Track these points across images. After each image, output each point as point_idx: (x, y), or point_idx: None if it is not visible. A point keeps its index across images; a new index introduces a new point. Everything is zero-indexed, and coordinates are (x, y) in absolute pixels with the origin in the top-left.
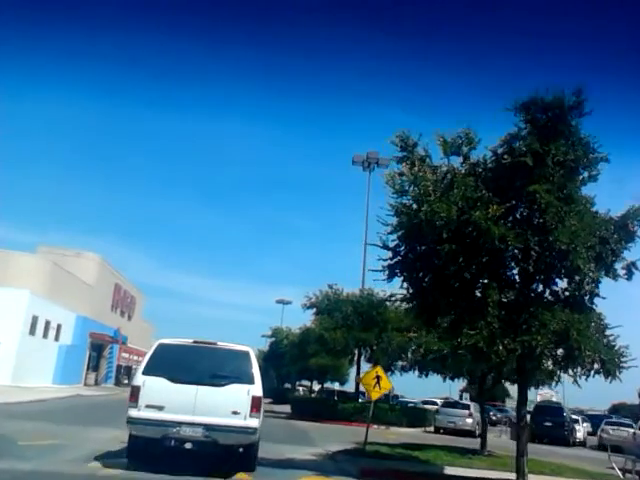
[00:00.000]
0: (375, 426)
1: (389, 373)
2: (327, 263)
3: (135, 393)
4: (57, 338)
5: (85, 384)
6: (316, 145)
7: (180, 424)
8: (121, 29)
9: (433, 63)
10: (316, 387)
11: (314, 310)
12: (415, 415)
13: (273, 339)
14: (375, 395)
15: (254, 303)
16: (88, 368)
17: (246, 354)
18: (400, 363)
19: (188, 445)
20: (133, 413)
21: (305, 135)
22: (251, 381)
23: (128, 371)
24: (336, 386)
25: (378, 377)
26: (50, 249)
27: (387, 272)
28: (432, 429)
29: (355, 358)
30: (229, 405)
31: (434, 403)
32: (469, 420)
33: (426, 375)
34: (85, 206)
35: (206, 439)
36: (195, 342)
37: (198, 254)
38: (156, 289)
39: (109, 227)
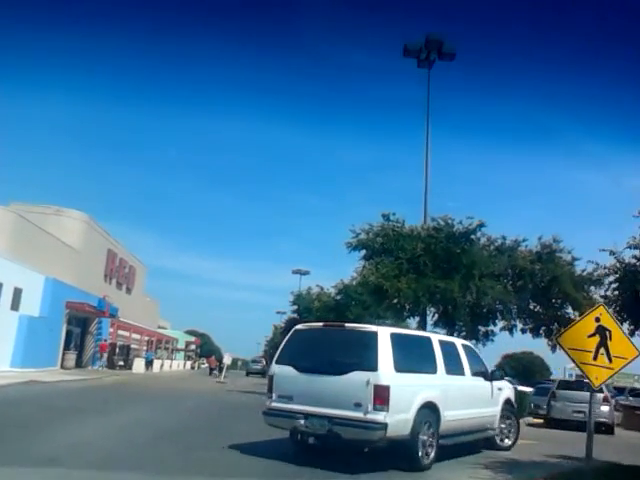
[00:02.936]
0: None
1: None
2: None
3: (270, 383)
4: (16, 307)
5: (62, 366)
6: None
7: (307, 416)
8: (133, 27)
9: None
10: None
11: (362, 253)
12: None
13: (295, 307)
14: (604, 375)
15: (268, 284)
16: (67, 347)
17: (372, 335)
18: (488, 327)
19: (311, 440)
20: (268, 403)
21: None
22: (374, 367)
23: (126, 351)
24: None
25: (604, 332)
26: (24, 206)
27: None
28: (537, 420)
29: (418, 319)
30: (351, 396)
31: None
32: (605, 408)
33: None
34: (97, 190)
35: (329, 433)
36: (324, 325)
37: (211, 237)
38: (168, 271)
39: (120, 211)
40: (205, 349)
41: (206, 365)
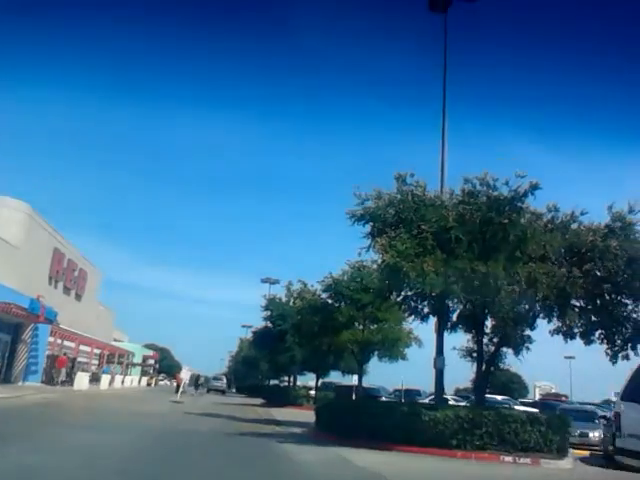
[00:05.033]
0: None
1: (521, 348)
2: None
3: (617, 420)
4: None
5: None
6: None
7: None
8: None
9: None
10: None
11: (368, 227)
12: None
13: (267, 313)
14: None
15: (235, 298)
16: None
17: None
18: (524, 332)
19: None
20: (618, 442)
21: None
22: None
23: (70, 365)
24: (342, 381)
25: None
26: None
27: None
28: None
29: (435, 320)
30: None
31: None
32: None
33: None
34: (57, 201)
35: None
36: None
37: (178, 251)
38: (129, 285)
39: (83, 221)
40: (164, 364)
41: (164, 382)
